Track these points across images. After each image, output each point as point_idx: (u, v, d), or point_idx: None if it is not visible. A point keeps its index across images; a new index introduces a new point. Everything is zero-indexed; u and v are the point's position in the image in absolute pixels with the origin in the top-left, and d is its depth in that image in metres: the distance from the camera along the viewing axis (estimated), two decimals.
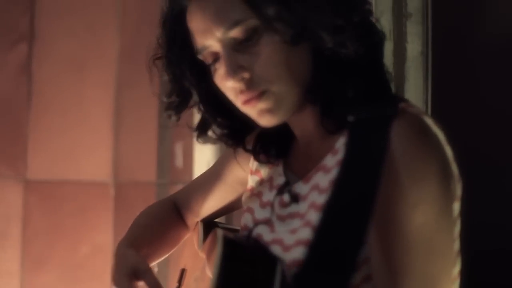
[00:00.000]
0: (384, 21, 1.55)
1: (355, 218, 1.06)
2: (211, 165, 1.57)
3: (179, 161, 2.89)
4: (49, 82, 3.04)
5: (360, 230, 1.05)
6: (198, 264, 1.39)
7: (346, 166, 1.10)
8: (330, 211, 1.07)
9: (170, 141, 2.89)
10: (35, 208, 3.02)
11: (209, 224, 1.50)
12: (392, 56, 1.56)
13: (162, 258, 1.51)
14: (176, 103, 1.32)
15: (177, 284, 1.46)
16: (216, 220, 1.55)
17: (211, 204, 1.51)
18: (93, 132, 3.06)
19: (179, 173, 2.88)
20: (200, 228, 1.50)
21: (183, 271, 1.48)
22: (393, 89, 1.51)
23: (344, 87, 1.19)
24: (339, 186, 1.08)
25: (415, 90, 1.58)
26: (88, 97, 3.05)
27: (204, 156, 2.65)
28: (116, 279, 1.36)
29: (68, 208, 3.03)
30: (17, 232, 3.00)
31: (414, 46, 1.57)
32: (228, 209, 1.51)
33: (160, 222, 1.52)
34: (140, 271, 1.35)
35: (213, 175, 1.51)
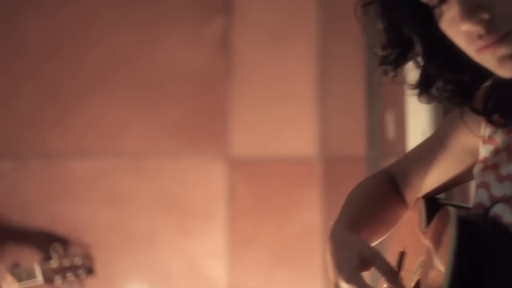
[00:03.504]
0: None
1: None
2: (426, 134, 1.37)
3: (390, 132, 2.72)
4: (248, 55, 2.99)
5: None
6: (421, 247, 1.25)
7: None
8: None
9: (380, 110, 2.73)
10: (240, 186, 2.98)
11: (432, 201, 1.32)
12: None
13: (380, 240, 1.35)
14: (394, 55, 1.13)
15: (396, 268, 1.31)
16: (438, 196, 1.36)
17: (434, 177, 1.32)
18: (297, 104, 2.99)
19: (391, 144, 2.72)
20: (421, 205, 1.33)
21: (402, 254, 1.34)
22: None
23: None
24: None
25: None
26: (289, 68, 2.98)
27: (418, 125, 2.45)
28: (344, 271, 1.22)
29: (273, 186, 2.99)
30: (222, 211, 2.97)
31: None
32: (453, 184, 1.32)
33: (377, 199, 1.36)
34: (369, 258, 1.23)
35: (435, 145, 1.32)
